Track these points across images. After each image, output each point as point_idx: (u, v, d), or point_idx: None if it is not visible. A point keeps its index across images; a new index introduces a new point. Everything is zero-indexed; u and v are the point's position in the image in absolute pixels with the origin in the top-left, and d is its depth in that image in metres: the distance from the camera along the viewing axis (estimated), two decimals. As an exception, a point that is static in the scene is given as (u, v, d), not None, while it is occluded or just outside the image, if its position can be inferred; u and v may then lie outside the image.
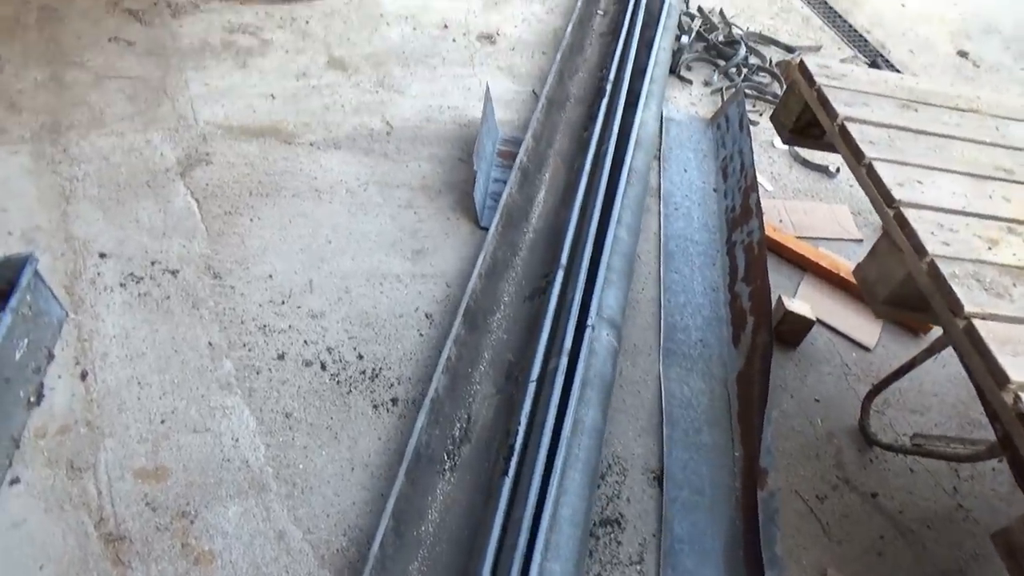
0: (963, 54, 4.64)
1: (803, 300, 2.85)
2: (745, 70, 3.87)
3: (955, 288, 1.45)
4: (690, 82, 3.77)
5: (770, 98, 3.78)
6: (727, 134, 3.38)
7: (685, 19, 4.08)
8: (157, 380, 2.10)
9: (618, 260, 2.53)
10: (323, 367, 2.25)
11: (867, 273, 1.71)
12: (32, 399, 1.98)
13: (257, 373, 2.18)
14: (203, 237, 2.48)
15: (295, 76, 3.16)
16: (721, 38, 4.00)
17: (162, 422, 2.02)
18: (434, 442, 2.11)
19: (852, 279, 2.94)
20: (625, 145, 2.92)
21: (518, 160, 2.96)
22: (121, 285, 2.30)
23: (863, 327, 2.83)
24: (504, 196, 2.82)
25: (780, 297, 2.75)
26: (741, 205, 3.00)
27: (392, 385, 2.25)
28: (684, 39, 3.80)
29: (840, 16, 4.66)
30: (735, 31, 4.14)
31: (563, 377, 2.12)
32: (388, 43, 3.47)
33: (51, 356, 2.09)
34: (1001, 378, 1.35)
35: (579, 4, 3.90)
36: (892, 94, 2.06)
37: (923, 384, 2.68)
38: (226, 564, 1.79)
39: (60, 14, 3.07)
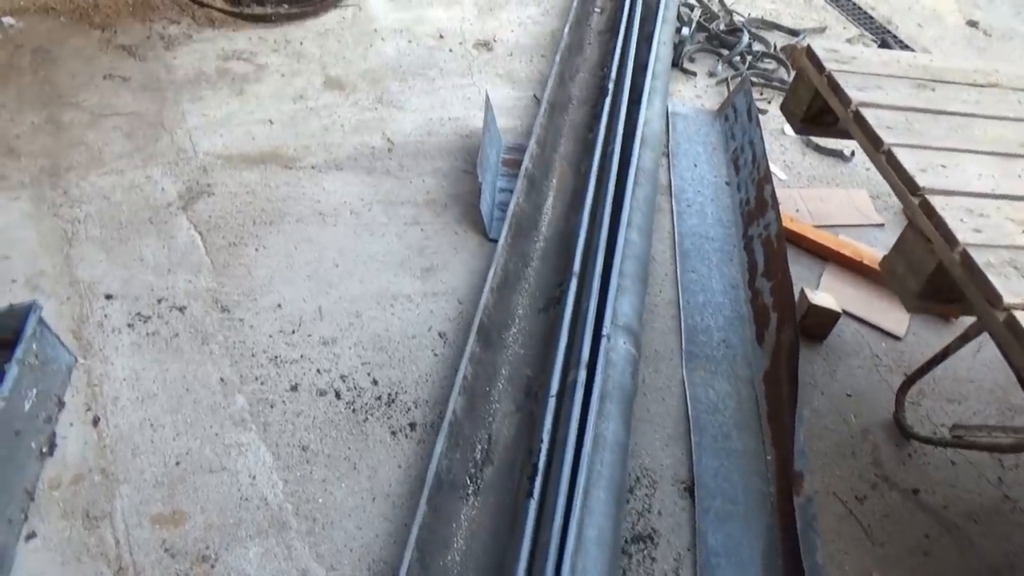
0: (972, 24, 4.51)
1: (827, 291, 2.76)
2: (749, 57, 3.78)
3: (991, 278, 1.37)
4: (694, 74, 3.69)
5: (777, 84, 3.69)
6: (736, 125, 3.30)
7: (684, 10, 4.00)
8: (170, 421, 2.06)
9: (631, 264, 2.46)
10: (338, 395, 2.20)
11: (895, 266, 1.63)
12: (44, 449, 1.95)
13: (271, 406, 2.14)
14: (209, 271, 2.45)
15: (292, 99, 3.12)
16: (722, 27, 3.92)
17: (177, 464, 1.98)
18: (455, 466, 2.05)
19: (876, 266, 2.85)
20: (631, 145, 2.85)
21: (523, 168, 2.89)
22: (129, 326, 2.26)
23: (891, 315, 2.74)
24: (512, 206, 2.76)
25: (803, 290, 2.67)
26: (756, 198, 2.92)
27: (409, 409, 2.20)
28: (685, 31, 3.72)
29: (843, -6, 4.55)
30: (736, 18, 4.05)
31: (582, 390, 2.06)
32: (384, 58, 3.42)
33: (61, 404, 2.05)
34: (1047, 371, 1.27)
35: (575, 4, 3.84)
36: (906, 74, 1.97)
37: (958, 371, 2.58)
38: (249, 608, 1.74)
39: (53, 55, 3.06)
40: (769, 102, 3.62)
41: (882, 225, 3.13)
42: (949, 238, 1.48)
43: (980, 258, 1.41)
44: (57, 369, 2.07)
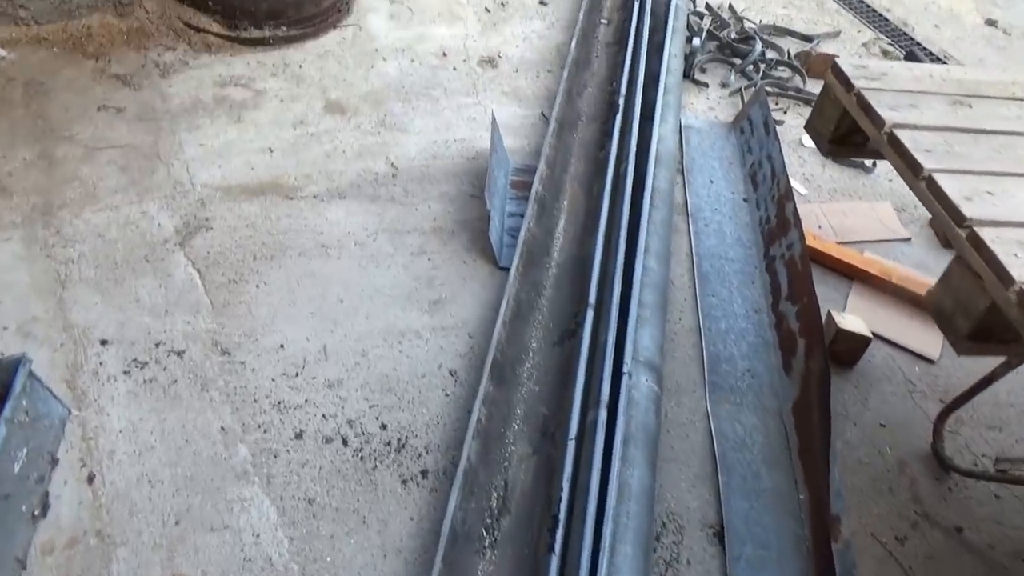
0: (991, 23, 4.38)
1: (855, 313, 2.63)
2: (763, 66, 3.65)
3: (1054, 322, 1.25)
4: (706, 85, 3.57)
5: (792, 93, 3.56)
6: (752, 138, 3.17)
7: (694, 19, 3.88)
8: (169, 475, 1.96)
9: (650, 294, 2.34)
10: (345, 442, 2.08)
11: (942, 304, 1.50)
12: (36, 512, 1.85)
13: (275, 456, 2.03)
14: (208, 311, 2.34)
15: (292, 125, 3.02)
16: (734, 35, 3.80)
17: (176, 523, 1.87)
18: (470, 517, 1.94)
19: (905, 285, 2.73)
20: (645, 164, 2.74)
21: (533, 191, 2.78)
22: (125, 373, 2.16)
23: (924, 337, 2.61)
24: (522, 232, 2.64)
25: (829, 313, 2.54)
26: (776, 216, 2.80)
27: (420, 455, 2.08)
28: (696, 41, 3.60)
29: (856, -3, 4.42)
30: (747, 25, 3.93)
31: (603, 433, 1.94)
32: (386, 79, 3.32)
33: (54, 461, 1.95)
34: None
35: (581, 16, 3.72)
36: (940, 90, 1.85)
37: (998, 394, 2.45)
38: None
39: (46, 87, 2.97)
40: (785, 112, 3.50)
41: (909, 239, 2.99)
42: (1002, 275, 1.35)
43: (1039, 298, 1.29)
44: (49, 424, 1.97)
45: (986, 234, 1.42)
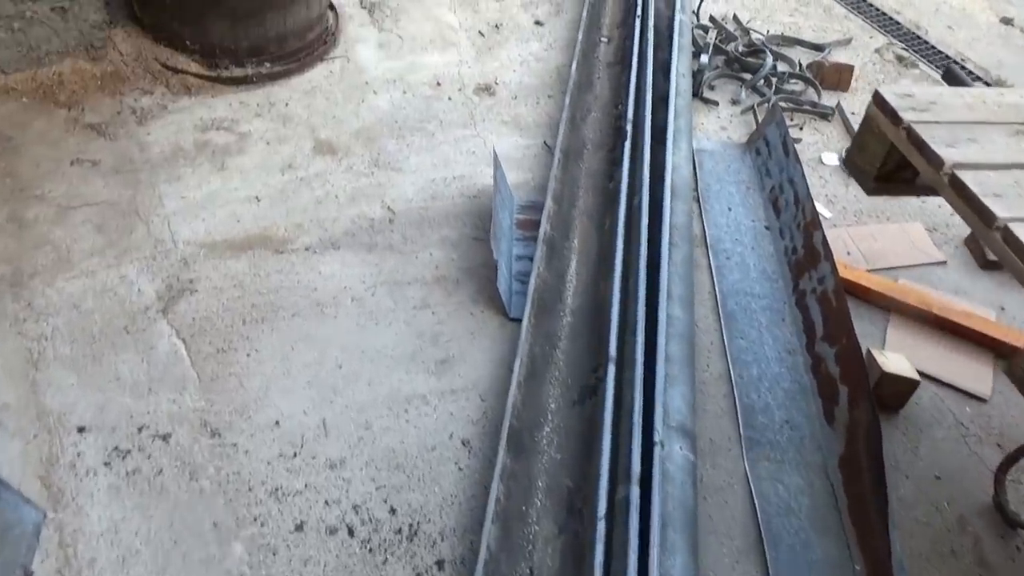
0: (1007, 21, 4.19)
1: (895, 350, 2.44)
2: (774, 80, 3.46)
3: None
4: (716, 103, 3.38)
5: (808, 108, 3.37)
6: (770, 160, 2.98)
7: (698, 32, 3.69)
8: (156, 583, 1.76)
9: (677, 346, 2.14)
10: (351, 532, 1.88)
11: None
12: (8, 638, 1.65)
13: (273, 554, 1.83)
14: (195, 386, 2.14)
15: (280, 170, 2.83)
16: (741, 48, 3.61)
17: (166, 641, 1.67)
18: (494, 616, 1.74)
19: (947, 315, 2.53)
20: (660, 197, 2.54)
21: (542, 231, 2.58)
22: (105, 464, 1.96)
23: (972, 373, 2.41)
24: (532, 278, 2.45)
25: (869, 352, 2.34)
26: (804, 246, 2.60)
27: (435, 543, 1.88)
28: (703, 58, 3.41)
29: None
30: (755, 36, 3.74)
31: (637, 516, 1.74)
32: (378, 113, 3.13)
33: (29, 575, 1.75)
34: None
35: (580, 36, 3.53)
36: (998, 119, 1.65)
37: (1060, 437, 2.25)
38: None
39: (15, 142, 2.77)
40: (801, 128, 3.31)
41: (944, 262, 2.80)
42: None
43: None
44: (21, 533, 1.76)
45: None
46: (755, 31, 3.78)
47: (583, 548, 1.82)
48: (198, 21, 3.00)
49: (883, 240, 2.85)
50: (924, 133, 1.55)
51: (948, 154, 1.52)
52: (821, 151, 3.21)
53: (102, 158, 2.77)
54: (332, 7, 3.56)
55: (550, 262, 2.57)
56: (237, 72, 3.13)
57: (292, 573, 1.80)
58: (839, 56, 3.74)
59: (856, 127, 3.32)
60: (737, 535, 1.97)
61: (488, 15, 3.76)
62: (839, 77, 3.49)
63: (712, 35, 3.63)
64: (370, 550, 1.86)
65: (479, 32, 3.63)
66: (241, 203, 2.68)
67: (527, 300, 2.40)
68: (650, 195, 2.57)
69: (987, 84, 3.69)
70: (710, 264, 2.69)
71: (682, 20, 3.41)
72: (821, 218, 2.88)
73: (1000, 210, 1.38)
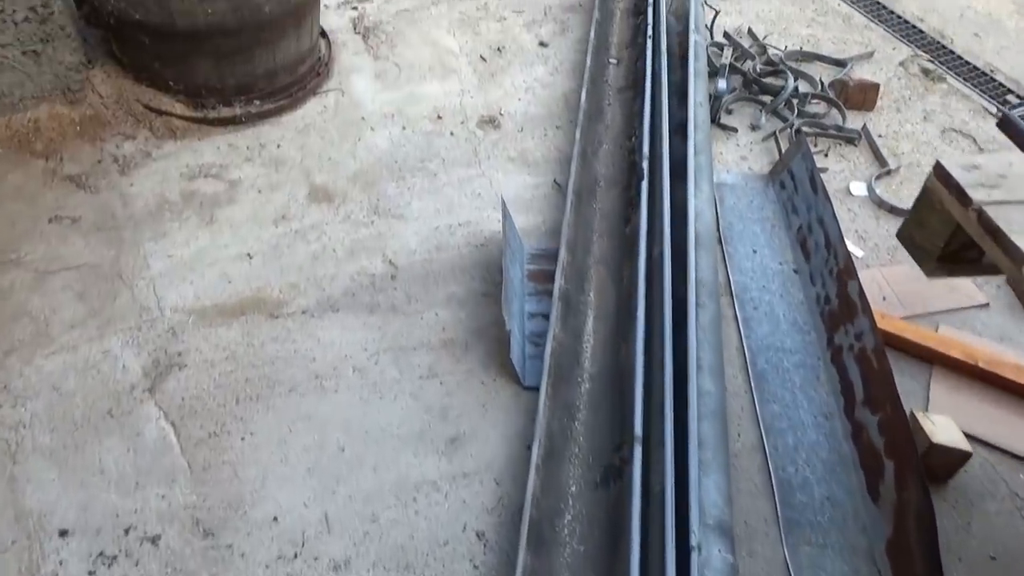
0: (1037, 26, 3.98)
1: (939, 409, 2.27)
2: (795, 100, 3.26)
3: None
4: (735, 130, 3.19)
5: (833, 132, 3.17)
6: (796, 195, 2.79)
7: (713, 51, 3.48)
8: None
9: (709, 426, 1.96)
10: (358, 648, 1.72)
11: None
12: None
13: None
14: (185, 477, 1.98)
15: (273, 221, 2.64)
16: (759, 67, 3.40)
17: None
18: None
19: (994, 369, 2.35)
20: (684, 250, 2.35)
21: (556, 287, 2.41)
22: (90, 574, 1.79)
23: (1025, 435, 2.24)
24: (549, 341, 2.27)
25: (913, 415, 2.17)
26: (838, 295, 2.42)
27: (450, 659, 1.72)
28: (721, 84, 3.21)
29: (884, 7, 4.03)
30: (772, 52, 3.54)
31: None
32: (376, 153, 2.94)
33: None
34: None
35: (588, 59, 3.33)
36: (1078, 192, 1.46)
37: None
38: None
39: (-11, 199, 2.60)
40: (826, 154, 3.11)
41: (987, 305, 2.62)
42: None
43: None
44: (-5, 668, 1.61)
45: None
46: (772, 47, 3.57)
47: (613, 660, 1.66)
48: (181, 61, 2.81)
49: (920, 282, 2.64)
50: (999, 218, 1.36)
51: (1029, 245, 1.33)
52: (848, 179, 3.02)
53: (83, 214, 2.59)
54: (324, 35, 3.37)
55: (565, 320, 2.39)
56: (225, 112, 2.94)
57: None
58: (861, 71, 3.53)
59: (883, 151, 3.14)
60: (780, 637, 1.80)
61: (490, 37, 3.56)
62: (864, 96, 3.30)
63: (727, 53, 3.43)
64: (380, 670, 1.70)
65: (480, 57, 3.44)
66: (232, 261, 2.50)
67: (543, 366, 2.22)
68: (672, 245, 2.39)
69: (1020, 98, 3.48)
70: (736, 315, 2.51)
71: (697, 41, 3.20)
72: (853, 257, 2.70)
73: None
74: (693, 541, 1.69)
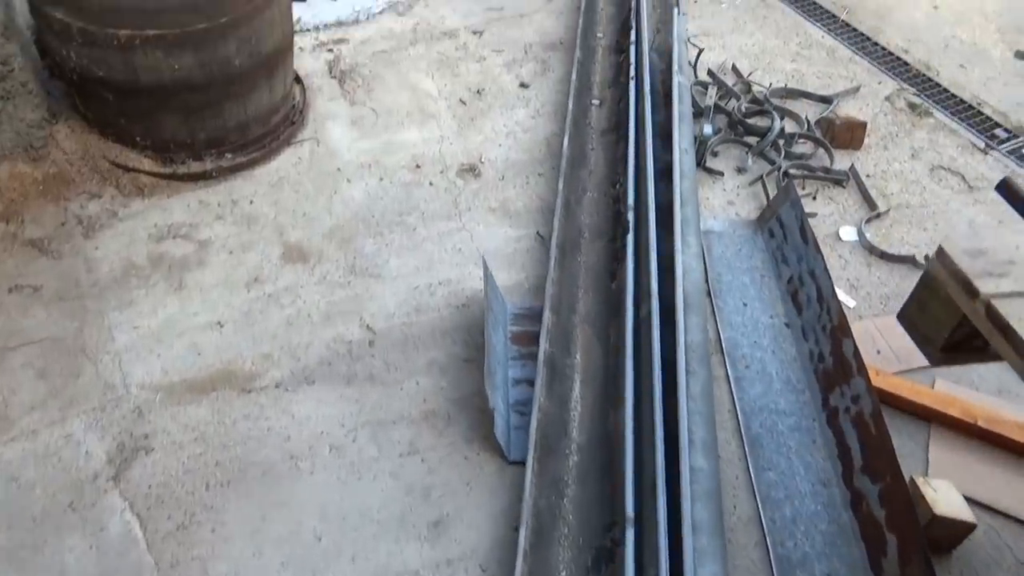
0: (1021, 55, 3.94)
1: (940, 471, 2.19)
2: (781, 142, 3.20)
3: None
4: (720, 173, 3.11)
5: (821, 174, 3.11)
6: (786, 244, 2.72)
7: (697, 90, 3.42)
8: None
9: (704, 508, 1.88)
10: None
11: None
12: None
13: None
14: (152, 576, 1.86)
15: (245, 285, 2.54)
16: (744, 107, 3.34)
17: None
18: None
19: (994, 428, 2.28)
20: (673, 312, 2.27)
21: (541, 352, 2.32)
22: None
23: (1029, 500, 2.16)
24: (534, 412, 2.18)
25: (914, 481, 2.09)
26: (832, 354, 2.34)
27: None
28: (707, 129, 3.13)
29: (868, 39, 3.98)
30: (756, 90, 3.48)
31: None
32: (352, 207, 2.84)
33: None
34: None
35: (570, 102, 3.25)
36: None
37: None
38: None
39: (-55, 269, 2.48)
40: (814, 197, 3.05)
41: (983, 356, 2.54)
42: None
43: None
44: None
45: None
46: (757, 84, 3.51)
47: None
48: (148, 117, 2.70)
49: (915, 333, 2.58)
50: (1009, 314, 1.28)
51: (1041, 345, 1.25)
52: (838, 223, 2.95)
53: (44, 282, 2.48)
54: (299, 80, 3.27)
55: (551, 387, 2.30)
56: (195, 167, 2.83)
57: None
58: (847, 106, 3.48)
59: (872, 191, 3.08)
60: None
61: (469, 79, 3.47)
62: (851, 135, 3.24)
63: (712, 92, 3.36)
64: None
65: (460, 100, 3.35)
66: (201, 331, 2.39)
67: (530, 438, 2.13)
68: (660, 303, 2.31)
69: (1008, 132, 3.44)
70: (728, 374, 2.43)
71: (681, 83, 3.13)
72: (845, 307, 2.63)
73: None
74: (690, 644, 1.60)
